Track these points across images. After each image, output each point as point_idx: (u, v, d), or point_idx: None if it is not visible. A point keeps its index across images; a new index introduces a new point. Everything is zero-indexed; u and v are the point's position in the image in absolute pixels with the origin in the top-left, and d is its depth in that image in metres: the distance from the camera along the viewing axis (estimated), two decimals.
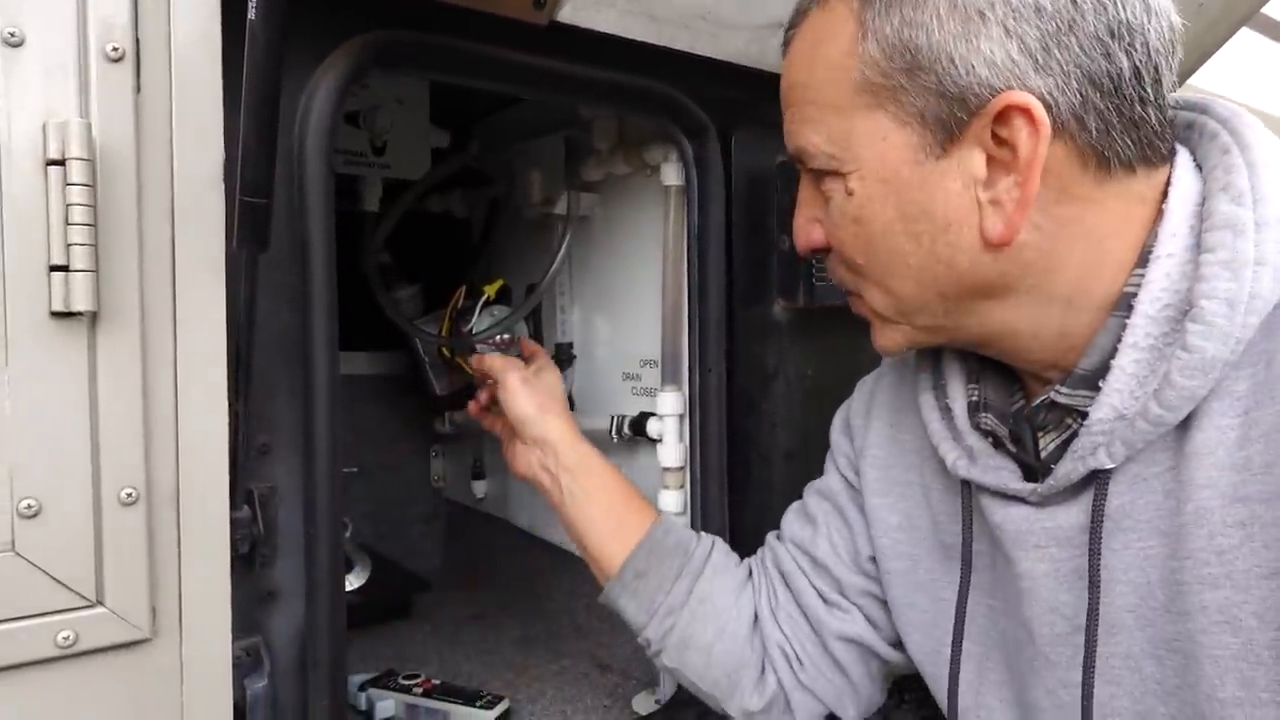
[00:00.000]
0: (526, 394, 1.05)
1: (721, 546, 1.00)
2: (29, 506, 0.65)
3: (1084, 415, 0.65)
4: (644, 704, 1.21)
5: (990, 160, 0.62)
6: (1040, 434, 0.70)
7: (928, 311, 0.68)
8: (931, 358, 0.80)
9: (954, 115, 0.61)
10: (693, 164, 1.13)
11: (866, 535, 0.88)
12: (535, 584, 1.57)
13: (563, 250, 1.38)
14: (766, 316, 1.21)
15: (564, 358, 1.46)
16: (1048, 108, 0.59)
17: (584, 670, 1.34)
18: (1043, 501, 0.68)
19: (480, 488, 1.69)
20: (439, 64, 0.94)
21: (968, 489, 0.76)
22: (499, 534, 1.66)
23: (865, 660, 0.91)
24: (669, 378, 1.19)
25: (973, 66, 0.60)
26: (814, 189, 0.71)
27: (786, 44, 0.72)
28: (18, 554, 0.65)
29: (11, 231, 0.64)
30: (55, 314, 0.65)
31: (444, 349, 1.46)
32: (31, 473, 0.65)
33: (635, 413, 1.25)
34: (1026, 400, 0.72)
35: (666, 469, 1.19)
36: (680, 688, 1.15)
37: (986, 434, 0.74)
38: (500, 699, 1.19)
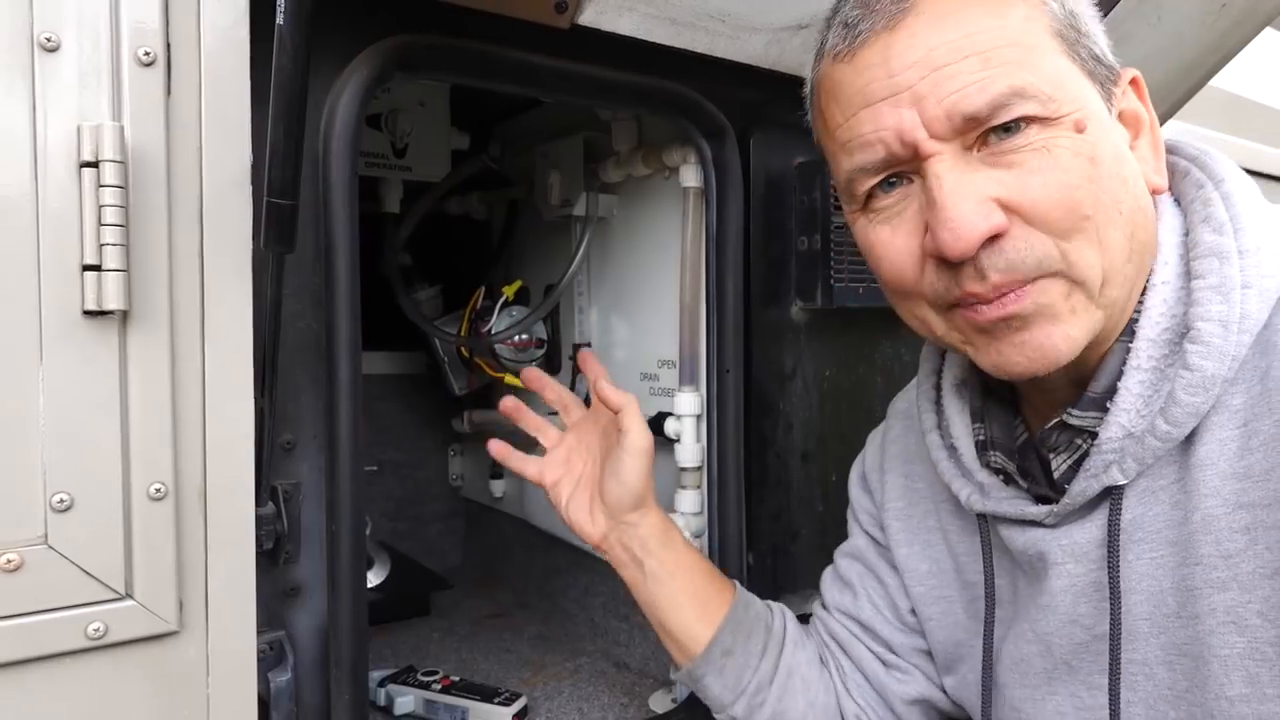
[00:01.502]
0: (644, 470, 0.94)
1: (792, 616, 1.00)
2: (61, 501, 0.66)
3: (1093, 435, 0.67)
4: (660, 702, 1.22)
5: (1124, 118, 0.68)
6: (1051, 456, 0.71)
7: (1123, 277, 0.65)
8: (931, 401, 0.83)
9: (1108, 76, 0.66)
10: (711, 165, 1.13)
11: (901, 590, 0.90)
12: (552, 583, 1.58)
13: (581, 251, 1.38)
14: (784, 317, 1.22)
15: None
16: None
17: (601, 668, 1.35)
18: (1058, 522, 0.70)
19: (498, 487, 1.70)
20: (462, 67, 0.95)
21: (984, 523, 0.78)
22: (517, 533, 1.67)
23: (931, 715, 0.93)
24: (687, 378, 1.20)
25: (1102, 40, 0.66)
26: (971, 167, 0.62)
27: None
28: (50, 547, 0.66)
29: (46, 232, 0.65)
30: (87, 313, 0.66)
31: (462, 349, 1.48)
32: (63, 468, 0.66)
33: (653, 413, 1.25)
34: (1029, 433, 0.75)
35: (684, 469, 1.19)
36: None
37: (997, 471, 0.76)
38: (518, 696, 1.20)
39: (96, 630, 0.68)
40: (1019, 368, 0.64)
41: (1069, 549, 0.70)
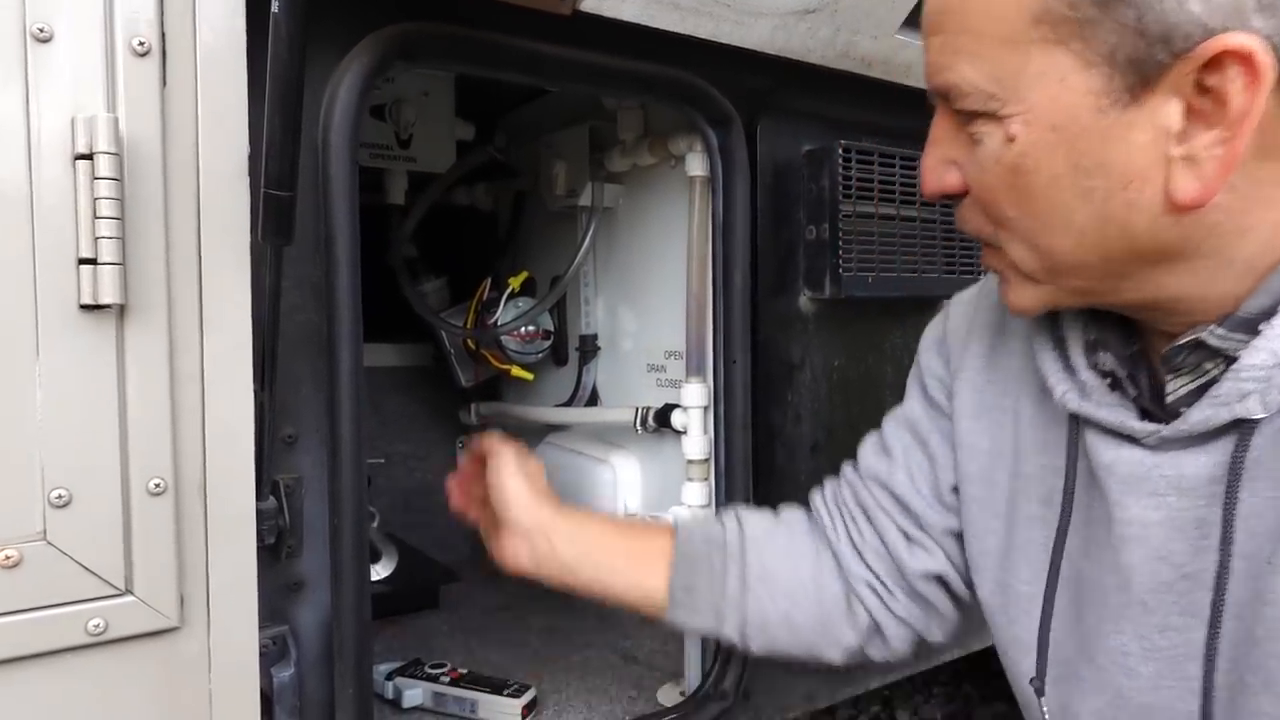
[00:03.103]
0: (529, 495, 0.95)
1: (750, 516, 0.96)
2: (59, 496, 0.66)
3: (1230, 361, 0.60)
4: (669, 695, 1.21)
5: (1189, 111, 0.55)
6: (1170, 377, 0.64)
7: (1082, 274, 0.62)
8: None
9: (1152, 57, 0.54)
10: (717, 154, 1.12)
11: (950, 465, 0.84)
12: None
13: (587, 242, 1.37)
14: (792, 307, 1.20)
15: (588, 350, 1.46)
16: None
17: (609, 661, 1.34)
18: (1160, 445, 0.64)
19: None
20: (463, 56, 0.94)
21: (1074, 425, 0.70)
22: None
23: (948, 594, 0.89)
24: (694, 369, 1.19)
25: (1181, 8, 0.52)
26: (955, 127, 0.63)
27: None
28: (49, 543, 0.66)
29: (41, 225, 0.65)
30: (84, 307, 0.66)
31: (469, 341, 1.47)
32: (62, 463, 0.66)
33: (660, 404, 1.24)
34: (1143, 344, 0.69)
35: (691, 461, 1.18)
36: (704, 681, 1.15)
37: (1105, 374, 0.69)
38: (527, 688, 1.20)
39: (97, 626, 0.68)
40: (1010, 307, 0.68)
41: (1174, 480, 0.63)
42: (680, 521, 0.97)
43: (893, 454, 0.89)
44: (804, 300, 1.21)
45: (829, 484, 0.96)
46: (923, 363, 0.90)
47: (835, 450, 1.25)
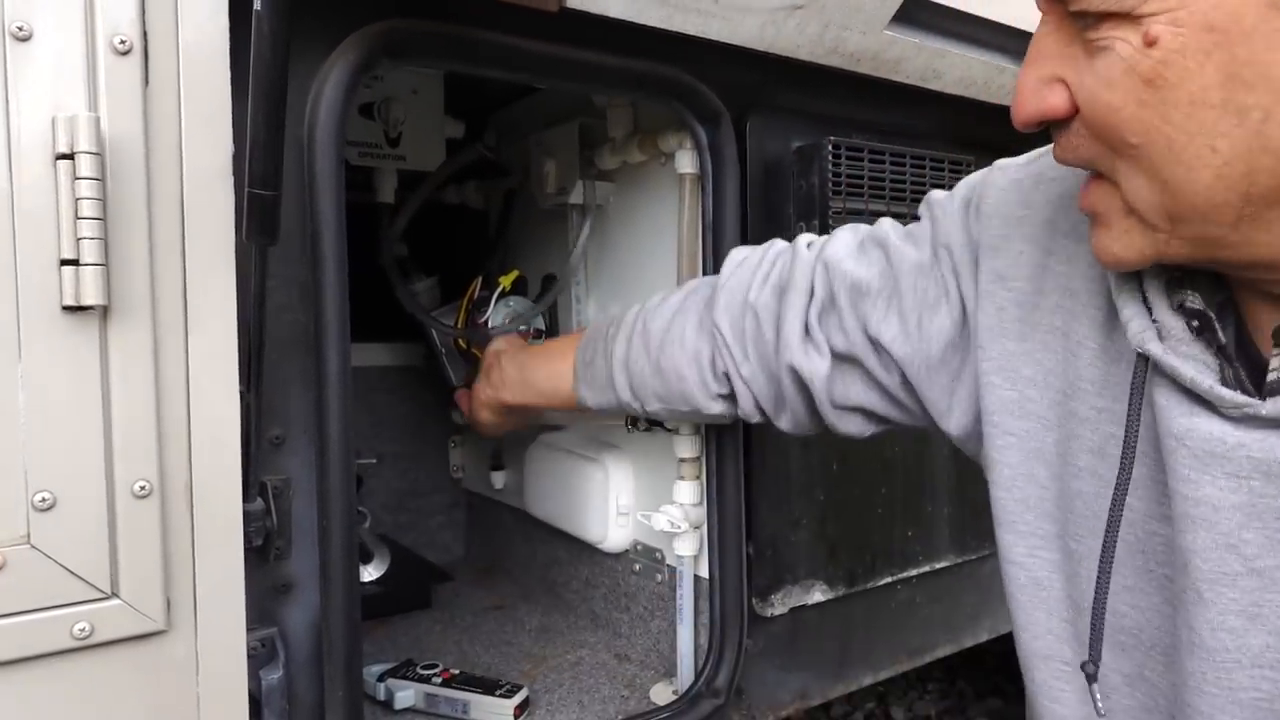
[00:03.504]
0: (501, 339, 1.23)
1: (657, 300, 1.00)
2: (43, 500, 0.65)
3: None
4: (661, 694, 1.21)
5: None
6: (1275, 354, 0.56)
7: (1214, 218, 0.52)
8: None
9: None
10: (707, 151, 1.12)
11: (905, 334, 0.78)
12: (554, 574, 1.57)
13: (582, 240, 1.37)
14: None
15: None
16: None
17: (602, 660, 1.34)
18: (1245, 420, 0.55)
19: (499, 479, 1.69)
20: (450, 54, 0.93)
21: (1143, 368, 0.60)
22: (518, 524, 1.66)
23: (804, 400, 0.86)
24: None
25: None
26: (1067, 38, 0.54)
27: None
28: (33, 546, 0.65)
29: (22, 226, 0.64)
30: (67, 308, 0.65)
31: (460, 340, 1.47)
32: (45, 466, 0.66)
33: None
34: (1237, 301, 0.60)
35: (683, 459, 1.18)
36: (697, 680, 1.15)
37: (1191, 314, 0.59)
38: (519, 688, 1.19)
39: (82, 630, 0.67)
40: (1103, 256, 0.58)
41: (1260, 463, 0.55)
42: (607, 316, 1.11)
43: (870, 267, 0.82)
44: None
45: (756, 253, 0.93)
46: (941, 225, 0.78)
47: (826, 447, 1.25)
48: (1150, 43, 0.48)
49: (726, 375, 0.91)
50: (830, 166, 1.14)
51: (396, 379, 1.80)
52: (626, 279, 1.37)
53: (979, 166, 1.24)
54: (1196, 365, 0.57)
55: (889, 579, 1.34)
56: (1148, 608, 0.64)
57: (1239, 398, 0.55)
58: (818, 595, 1.25)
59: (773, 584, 1.21)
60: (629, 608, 1.36)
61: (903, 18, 1.09)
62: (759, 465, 1.18)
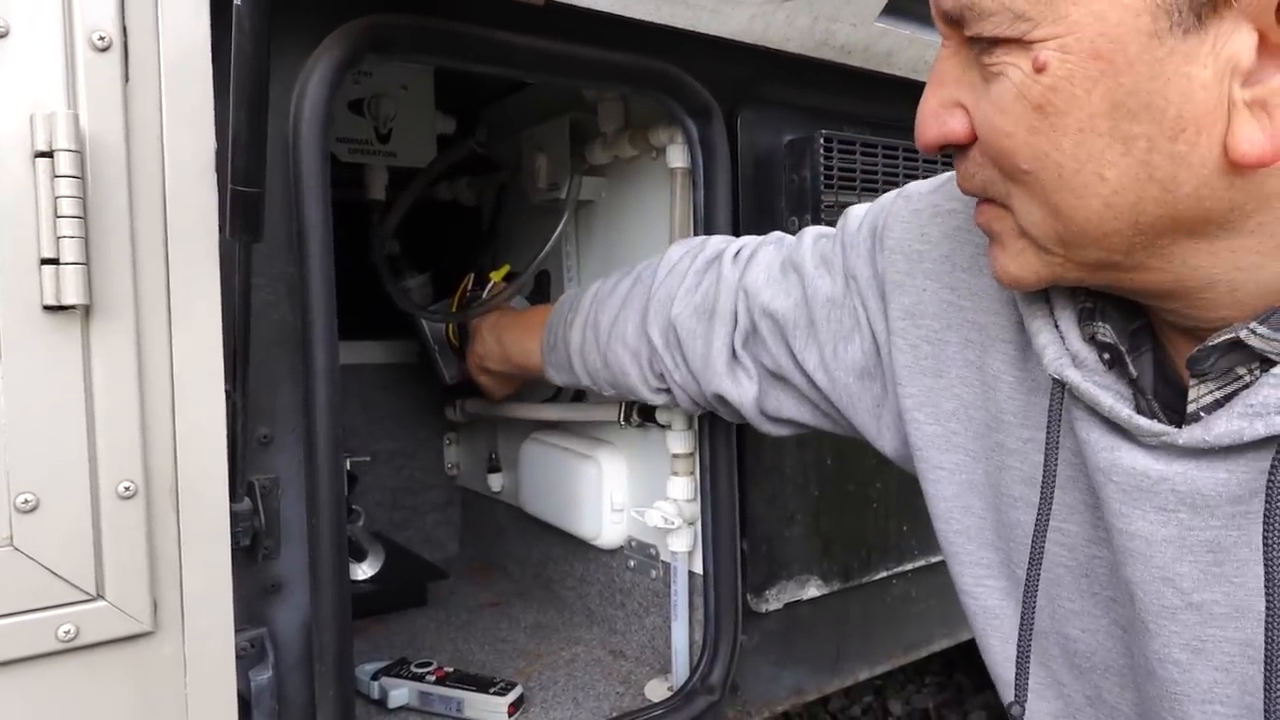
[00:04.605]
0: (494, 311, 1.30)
1: (616, 274, 1.06)
2: (26, 501, 0.65)
3: (1267, 364, 0.52)
4: (656, 691, 1.20)
5: (1264, 44, 0.45)
6: (1194, 383, 0.55)
7: (1104, 244, 0.52)
8: None
9: None
10: (698, 145, 1.11)
11: (820, 362, 0.79)
12: (549, 571, 1.57)
13: (560, 229, 1.36)
14: None
15: None
16: None
17: (597, 657, 1.34)
18: (1163, 451, 0.55)
19: (496, 481, 1.68)
20: (437, 48, 0.92)
21: (1059, 395, 0.60)
22: (514, 522, 1.66)
23: (736, 414, 0.93)
24: None
25: None
26: (965, 63, 0.53)
27: None
28: (16, 549, 0.65)
29: (1, 225, 0.63)
30: (47, 308, 0.65)
31: (452, 338, 1.46)
32: (28, 467, 0.65)
33: None
34: (1154, 327, 0.59)
35: (676, 455, 1.17)
36: (692, 676, 1.15)
37: (1102, 348, 0.58)
38: (513, 685, 1.19)
39: (67, 632, 0.67)
40: (1000, 277, 0.58)
41: (1186, 496, 0.54)
42: (565, 296, 1.15)
43: (788, 296, 0.82)
44: None
45: (689, 258, 0.95)
46: (849, 256, 0.78)
47: (820, 443, 1.24)
48: (1039, 69, 0.48)
49: (662, 376, 0.97)
50: (822, 160, 1.13)
51: (390, 376, 1.79)
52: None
53: None
54: (1110, 393, 0.57)
55: (884, 573, 1.34)
56: (1098, 630, 0.64)
57: (1155, 426, 0.55)
58: (812, 590, 1.25)
59: (767, 579, 1.20)
60: (624, 604, 1.36)
61: (893, 9, 1.08)
62: (753, 460, 1.18)
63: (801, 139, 1.16)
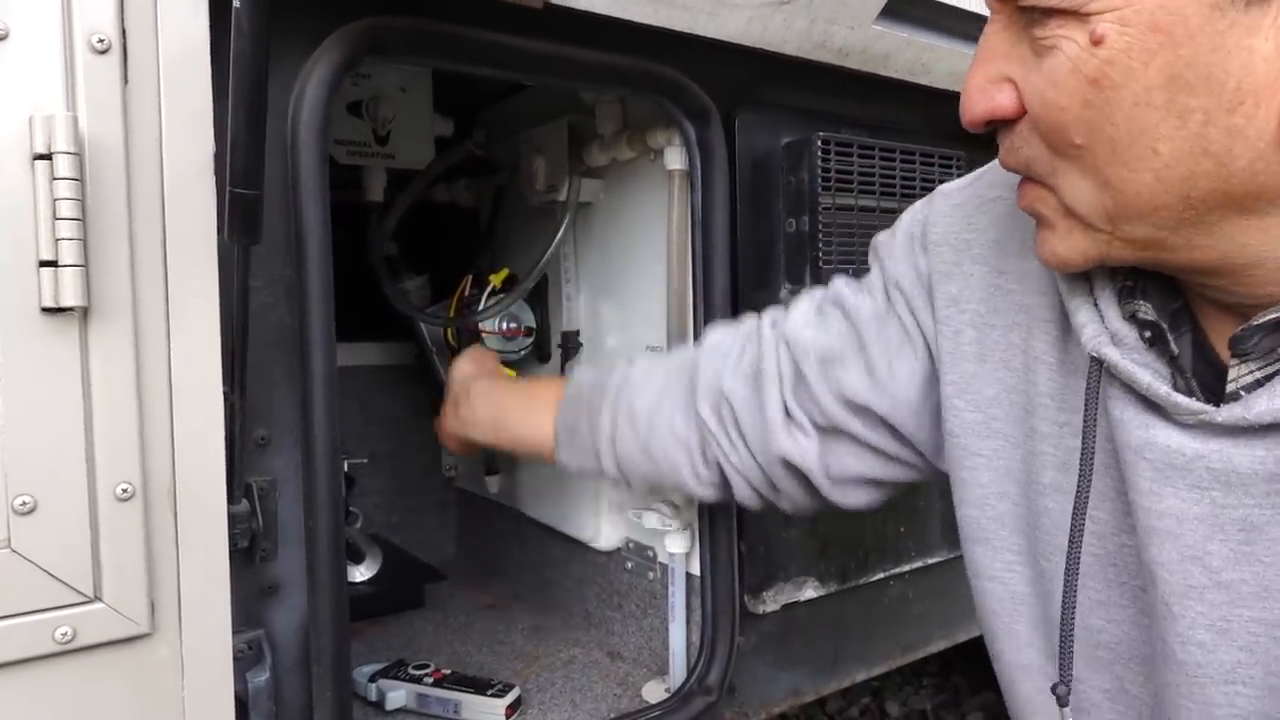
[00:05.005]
0: (466, 359, 1.19)
1: (644, 356, 1.00)
2: (24, 503, 0.65)
3: None
4: (654, 692, 1.20)
5: None
6: (1235, 363, 0.55)
7: (1154, 219, 0.52)
8: None
9: None
10: (695, 147, 1.11)
11: (879, 384, 0.77)
12: (547, 573, 1.57)
13: (560, 233, 1.36)
14: (773, 300, 1.19)
15: (570, 346, 1.45)
16: None
17: (595, 659, 1.34)
18: (1199, 429, 0.55)
19: (494, 483, 1.68)
20: (435, 51, 0.92)
21: (1096, 374, 0.60)
22: (511, 524, 1.66)
23: (803, 486, 0.85)
24: None
25: None
26: (1014, 37, 0.53)
27: None
28: (13, 551, 0.65)
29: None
30: (46, 310, 0.65)
31: (450, 339, 1.46)
32: (26, 469, 0.65)
33: None
34: (1192, 307, 0.60)
35: None
36: (689, 677, 1.15)
37: (1144, 325, 0.59)
38: (511, 687, 1.19)
39: (64, 634, 0.67)
40: (1048, 259, 0.58)
41: (1221, 474, 0.54)
42: (578, 372, 1.05)
43: (829, 331, 0.82)
44: (785, 294, 1.20)
45: (747, 326, 0.92)
46: (887, 264, 0.79)
47: None
48: (1096, 42, 0.48)
49: (718, 464, 0.89)
50: (820, 162, 1.13)
51: (388, 378, 1.79)
52: (616, 276, 1.37)
53: (968, 160, 1.24)
54: (1148, 370, 0.57)
55: (881, 575, 1.34)
56: (1124, 620, 0.63)
57: (1194, 404, 0.55)
58: (810, 592, 1.25)
59: (764, 581, 1.20)
60: (621, 606, 1.36)
61: (890, 12, 1.09)
62: None
63: (799, 141, 1.16)
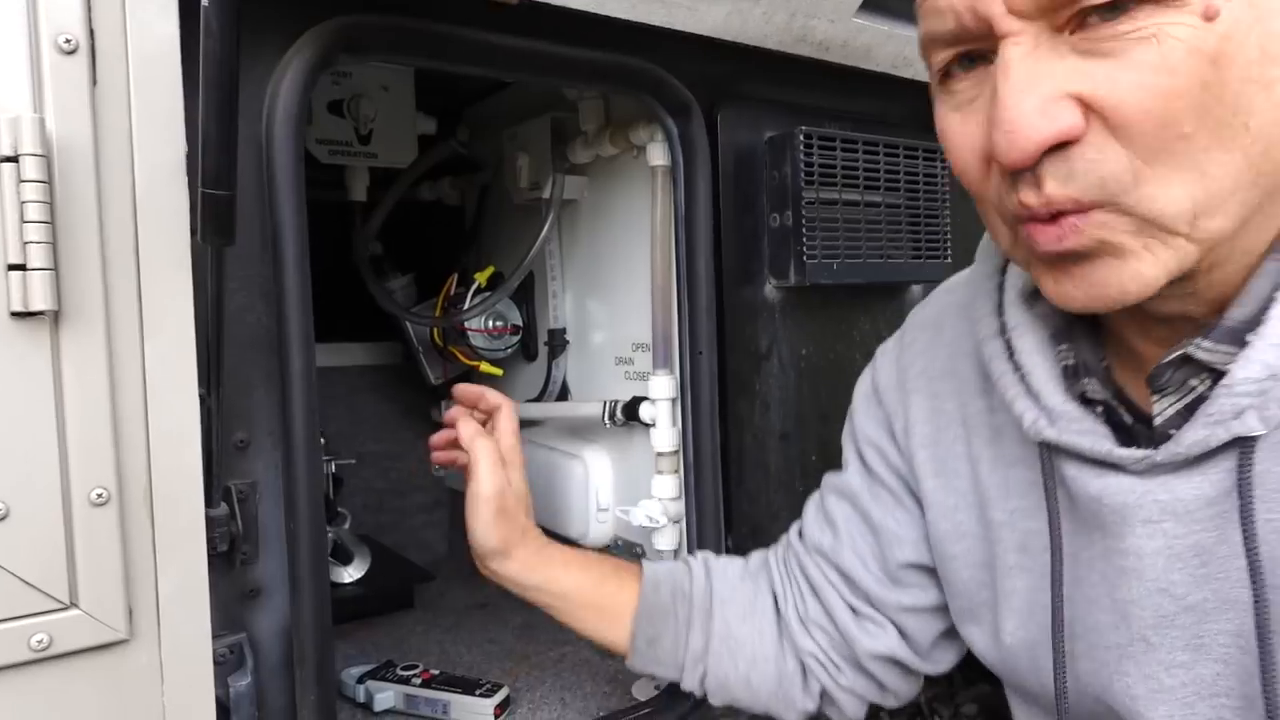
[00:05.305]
0: (490, 521, 0.96)
1: (717, 567, 0.96)
2: None
3: (1217, 376, 0.55)
4: (643, 690, 1.20)
5: None
6: (1156, 398, 0.59)
7: (1234, 206, 0.50)
8: (993, 304, 0.69)
9: None
10: (678, 143, 1.11)
11: (897, 538, 0.82)
12: None
13: (545, 230, 1.36)
14: (758, 296, 1.19)
15: (557, 344, 1.45)
16: None
17: (585, 657, 1.33)
18: (1149, 470, 0.59)
19: None
20: (413, 49, 0.92)
21: (1047, 456, 0.64)
22: None
23: (900, 671, 0.88)
24: (661, 361, 1.17)
25: None
26: (1057, 52, 0.50)
27: None
28: None
29: None
30: (15, 314, 0.64)
31: (436, 338, 1.46)
32: None
33: (628, 397, 1.23)
34: (1111, 362, 0.64)
35: (660, 454, 1.17)
36: None
37: (1089, 402, 0.63)
38: (499, 687, 1.18)
39: (40, 642, 0.66)
40: (1076, 303, 0.55)
41: (1168, 505, 0.58)
42: (652, 570, 0.97)
43: (836, 527, 0.87)
44: (769, 289, 1.20)
45: (780, 546, 0.95)
46: (857, 426, 0.86)
47: (805, 439, 1.24)
48: (1211, 17, 0.46)
49: (823, 692, 0.90)
50: (802, 156, 1.13)
51: (375, 378, 1.79)
52: (602, 272, 1.36)
53: None
54: (1091, 436, 0.61)
55: None
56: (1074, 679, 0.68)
57: (1136, 453, 0.59)
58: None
59: None
60: None
61: (871, 5, 1.08)
62: (737, 458, 1.18)
63: (782, 135, 1.16)
